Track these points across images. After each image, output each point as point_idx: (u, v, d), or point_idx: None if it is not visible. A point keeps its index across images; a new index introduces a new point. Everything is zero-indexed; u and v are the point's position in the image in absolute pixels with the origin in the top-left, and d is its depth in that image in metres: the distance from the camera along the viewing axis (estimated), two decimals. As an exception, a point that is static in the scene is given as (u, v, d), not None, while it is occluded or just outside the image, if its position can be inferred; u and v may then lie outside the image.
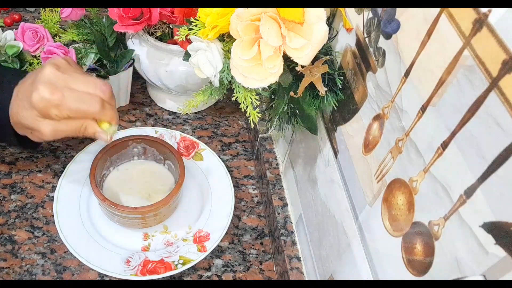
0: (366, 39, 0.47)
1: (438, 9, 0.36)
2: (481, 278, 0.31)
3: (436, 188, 0.36)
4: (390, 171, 0.43)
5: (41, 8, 0.87)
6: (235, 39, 0.49)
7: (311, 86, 0.52)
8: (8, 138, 0.59)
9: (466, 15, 0.33)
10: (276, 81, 0.50)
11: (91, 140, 0.79)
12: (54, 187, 0.74)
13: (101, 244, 0.68)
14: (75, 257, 0.66)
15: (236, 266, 0.70)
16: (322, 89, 0.52)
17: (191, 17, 0.55)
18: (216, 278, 0.69)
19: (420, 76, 0.38)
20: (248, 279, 0.69)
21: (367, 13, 0.47)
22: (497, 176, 0.30)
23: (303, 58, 0.48)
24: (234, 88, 0.55)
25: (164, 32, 0.80)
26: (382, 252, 0.44)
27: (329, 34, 0.49)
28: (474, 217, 0.32)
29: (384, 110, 0.44)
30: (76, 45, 0.82)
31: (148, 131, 0.82)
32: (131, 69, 0.82)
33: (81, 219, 0.70)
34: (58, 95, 0.52)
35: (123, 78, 0.83)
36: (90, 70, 0.81)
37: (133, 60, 0.81)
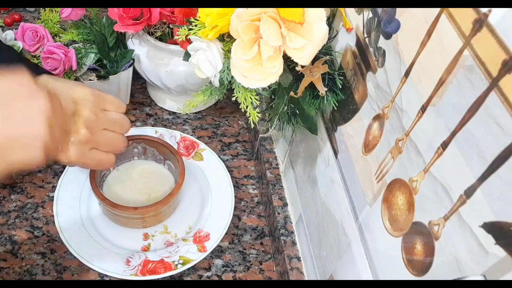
0: (366, 39, 0.47)
1: (438, 9, 0.36)
2: (481, 278, 0.31)
3: (436, 188, 0.36)
4: (390, 171, 0.43)
5: (41, 8, 0.87)
6: (235, 39, 0.49)
7: (311, 86, 0.52)
8: None
9: (466, 15, 0.33)
10: (276, 81, 0.50)
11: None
12: (54, 187, 0.74)
13: (101, 244, 0.68)
14: (75, 257, 0.66)
15: (236, 266, 0.70)
16: (322, 89, 0.52)
17: (191, 17, 0.55)
18: (216, 278, 0.69)
19: (420, 76, 0.38)
20: (248, 279, 0.69)
21: (367, 13, 0.47)
22: (497, 176, 0.30)
23: (303, 58, 0.48)
24: (234, 88, 0.55)
25: (164, 32, 0.80)
26: (382, 252, 0.44)
27: (329, 34, 0.49)
28: (474, 217, 0.32)
29: (384, 110, 0.44)
30: (76, 45, 0.82)
31: (148, 131, 0.82)
32: (131, 69, 0.82)
33: (81, 219, 0.70)
34: (97, 137, 0.54)
35: (123, 78, 0.83)
36: (90, 70, 0.81)
37: (133, 60, 0.81)
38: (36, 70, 0.56)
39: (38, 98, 0.43)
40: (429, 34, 0.37)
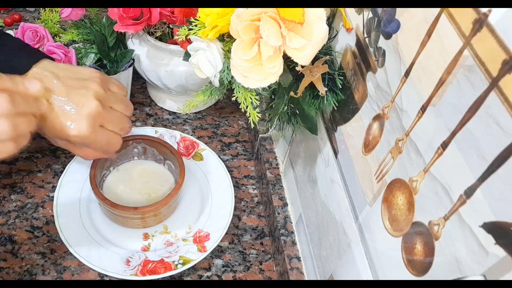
0: (366, 39, 0.47)
1: (438, 9, 0.36)
2: (481, 278, 0.31)
3: (436, 188, 0.36)
4: (390, 171, 0.43)
5: (41, 8, 0.87)
6: (235, 39, 0.49)
7: (311, 86, 0.52)
8: None
9: (466, 15, 0.33)
10: (276, 81, 0.50)
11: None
12: (54, 187, 0.74)
13: (101, 244, 0.68)
14: (75, 257, 0.66)
15: (236, 266, 0.70)
16: (322, 89, 0.52)
17: (191, 17, 0.55)
18: (216, 278, 0.69)
19: (420, 76, 0.38)
20: (248, 279, 0.69)
21: (367, 13, 0.47)
22: (497, 176, 0.30)
23: (303, 58, 0.48)
24: (234, 88, 0.55)
25: (164, 32, 0.80)
26: (382, 252, 0.44)
27: (329, 34, 0.49)
28: (474, 217, 0.32)
29: (384, 110, 0.44)
30: (76, 45, 0.82)
31: (148, 131, 0.82)
32: (131, 69, 0.82)
33: (81, 219, 0.70)
34: (106, 113, 0.56)
35: (123, 78, 0.83)
36: (90, 70, 0.81)
37: (133, 60, 0.81)
38: (38, 54, 0.57)
39: None
40: (429, 34, 0.37)
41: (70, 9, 0.78)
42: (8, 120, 0.45)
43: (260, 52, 0.48)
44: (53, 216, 0.70)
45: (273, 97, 0.58)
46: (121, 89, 0.61)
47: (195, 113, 0.90)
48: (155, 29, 0.79)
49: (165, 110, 0.89)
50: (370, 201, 0.47)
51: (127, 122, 0.60)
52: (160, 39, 0.79)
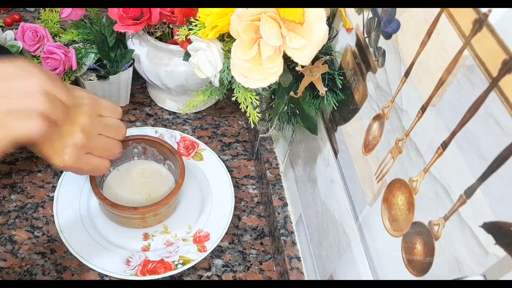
0: (366, 39, 0.47)
1: (438, 9, 0.36)
2: (481, 278, 0.31)
3: (436, 188, 0.36)
4: (390, 171, 0.43)
5: (41, 8, 0.87)
6: (235, 39, 0.49)
7: (311, 86, 0.52)
8: None
9: (466, 15, 0.33)
10: (276, 81, 0.50)
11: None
12: (54, 187, 0.74)
13: (101, 244, 0.68)
14: (75, 257, 0.66)
15: (236, 266, 0.70)
16: (322, 89, 0.52)
17: (191, 17, 0.55)
18: (216, 278, 0.69)
19: (420, 76, 0.38)
20: (248, 279, 0.69)
21: (367, 13, 0.47)
22: (497, 176, 0.30)
23: (303, 58, 0.48)
24: (234, 88, 0.55)
25: (164, 32, 0.80)
26: (382, 252, 0.44)
27: (329, 34, 0.49)
28: (474, 217, 0.32)
29: (384, 110, 0.44)
30: (76, 45, 0.82)
31: (148, 131, 0.82)
32: (131, 69, 0.82)
33: (81, 219, 0.70)
34: (93, 142, 0.54)
35: (123, 78, 0.83)
36: (90, 70, 0.81)
37: (133, 60, 0.81)
38: None
39: (36, 74, 0.45)
40: (429, 34, 0.37)
41: (70, 9, 0.78)
42: (44, 94, 0.45)
43: (260, 52, 0.48)
44: (53, 216, 0.70)
45: (273, 97, 0.58)
46: (113, 113, 0.57)
47: (195, 113, 0.90)
48: (155, 29, 0.79)
49: (165, 110, 0.89)
50: (370, 201, 0.47)
51: (116, 147, 0.58)
52: (160, 39, 0.79)
